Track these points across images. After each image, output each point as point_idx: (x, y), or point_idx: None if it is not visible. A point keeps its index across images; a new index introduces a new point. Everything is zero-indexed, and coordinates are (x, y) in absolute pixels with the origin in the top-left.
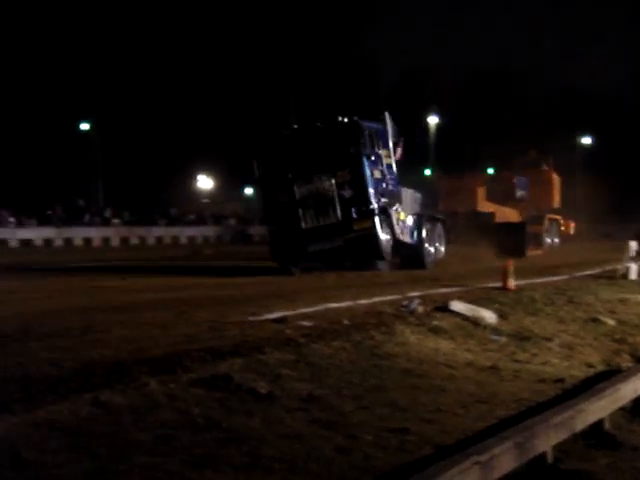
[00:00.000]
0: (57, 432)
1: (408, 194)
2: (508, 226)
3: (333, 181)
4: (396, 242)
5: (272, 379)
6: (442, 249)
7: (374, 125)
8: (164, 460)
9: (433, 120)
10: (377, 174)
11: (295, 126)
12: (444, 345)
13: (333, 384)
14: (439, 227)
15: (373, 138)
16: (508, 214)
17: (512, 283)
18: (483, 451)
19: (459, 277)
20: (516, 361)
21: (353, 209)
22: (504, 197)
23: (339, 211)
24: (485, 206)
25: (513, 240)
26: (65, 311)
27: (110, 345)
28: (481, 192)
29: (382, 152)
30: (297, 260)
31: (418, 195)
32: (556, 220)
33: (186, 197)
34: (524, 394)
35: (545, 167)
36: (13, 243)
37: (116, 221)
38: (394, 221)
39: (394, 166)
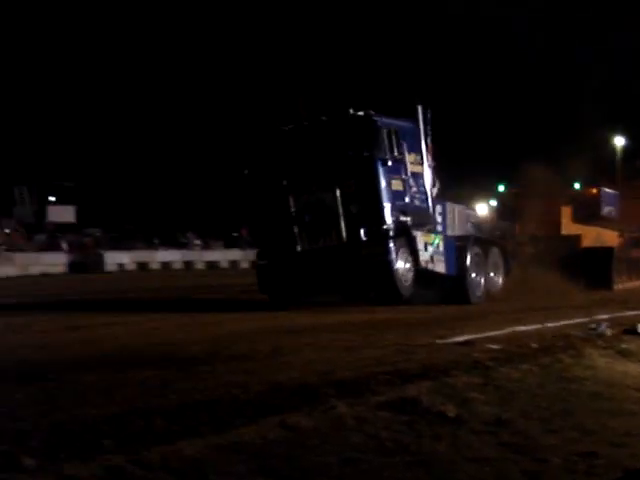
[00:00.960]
0: (245, 455)
1: (454, 212)
2: (593, 252)
3: (338, 192)
4: (422, 272)
5: (460, 402)
6: (499, 280)
7: (397, 122)
8: None
9: (620, 141)
10: (397, 185)
11: (300, 122)
12: (633, 368)
13: (521, 408)
14: (494, 253)
15: (394, 139)
16: (605, 237)
17: None
18: None
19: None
20: None
21: (362, 229)
22: (589, 215)
23: (344, 231)
24: (571, 228)
25: (598, 268)
26: (252, 333)
27: (297, 368)
28: (566, 212)
29: (407, 157)
30: (291, 291)
31: (470, 212)
32: None
33: None
34: None
35: None
36: (199, 265)
37: None
38: (419, 245)
39: (427, 175)
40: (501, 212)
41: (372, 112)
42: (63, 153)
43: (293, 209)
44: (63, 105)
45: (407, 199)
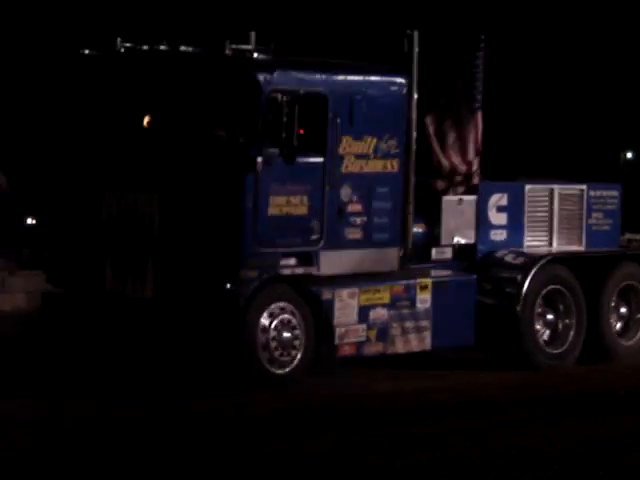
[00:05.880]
0: None
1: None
2: None
3: (159, 197)
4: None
5: None
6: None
7: (331, 78)
8: None
9: None
10: (287, 205)
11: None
12: None
13: None
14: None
15: (298, 113)
16: None
17: None
18: None
19: None
20: None
21: (187, 278)
22: None
23: (156, 273)
24: None
25: None
26: None
27: None
28: None
29: (342, 146)
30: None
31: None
32: None
33: None
34: None
35: None
36: None
37: None
38: (339, 318)
39: (410, 179)
40: None
41: (260, 57)
42: None
43: (106, 216)
44: None
45: (316, 226)
